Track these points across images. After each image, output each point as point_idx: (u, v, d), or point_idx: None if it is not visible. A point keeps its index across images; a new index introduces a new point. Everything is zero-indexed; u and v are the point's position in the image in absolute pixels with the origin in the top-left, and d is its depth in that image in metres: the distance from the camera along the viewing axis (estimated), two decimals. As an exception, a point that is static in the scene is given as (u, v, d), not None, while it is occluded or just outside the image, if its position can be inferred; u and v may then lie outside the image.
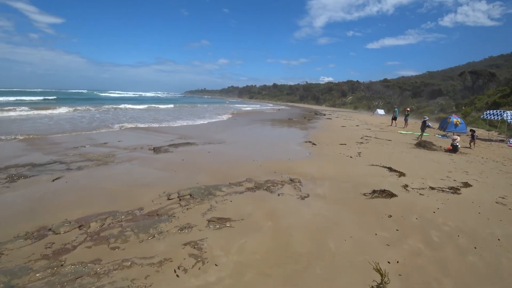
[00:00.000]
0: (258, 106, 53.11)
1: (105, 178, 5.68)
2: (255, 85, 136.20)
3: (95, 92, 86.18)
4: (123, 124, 13.84)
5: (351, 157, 8.37)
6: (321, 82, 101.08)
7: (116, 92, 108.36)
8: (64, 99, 38.80)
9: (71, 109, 20.22)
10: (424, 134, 16.83)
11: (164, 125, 14.80)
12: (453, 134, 17.30)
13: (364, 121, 26.18)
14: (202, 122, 17.85)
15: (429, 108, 49.08)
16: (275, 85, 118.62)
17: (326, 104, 75.99)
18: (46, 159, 7.06)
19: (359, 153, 8.98)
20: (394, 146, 11.08)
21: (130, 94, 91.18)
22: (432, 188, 5.66)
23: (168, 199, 4.59)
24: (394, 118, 22.65)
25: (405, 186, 5.67)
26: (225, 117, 22.89)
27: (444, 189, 5.68)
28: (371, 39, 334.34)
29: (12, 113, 16.06)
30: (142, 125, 14.10)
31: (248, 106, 47.58)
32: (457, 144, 10.83)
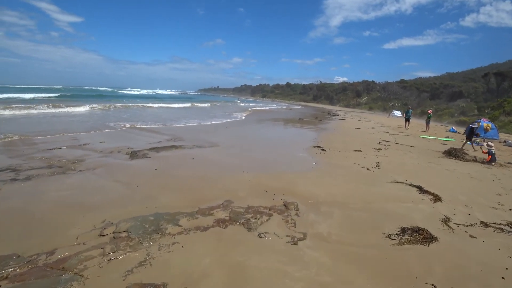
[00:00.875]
0: (273, 105, 51.24)
1: (45, 195, 4.30)
2: (268, 84, 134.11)
3: (110, 90, 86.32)
4: (123, 124, 12.56)
5: (368, 169, 6.64)
6: (336, 82, 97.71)
7: (134, 89, 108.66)
8: (78, 96, 38.24)
9: (82, 108, 18.98)
10: (448, 139, 14.71)
11: (166, 125, 13.39)
12: (484, 141, 15.06)
13: (380, 123, 23.99)
14: (208, 122, 16.45)
15: (449, 111, 45.75)
16: (288, 84, 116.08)
17: (340, 105, 73.14)
18: (1, 165, 5.83)
19: (378, 164, 7.22)
20: (419, 155, 9.19)
21: (145, 91, 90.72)
22: (486, 225, 3.90)
23: (101, 235, 3.12)
24: (407, 120, 20.22)
25: (446, 221, 3.94)
26: (238, 115, 21.44)
27: (502, 226, 3.91)
28: (388, 40, 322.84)
29: (17, 112, 15.09)
30: (141, 125, 12.72)
31: (260, 105, 45.98)
32: (494, 151, 8.90)
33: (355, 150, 9.03)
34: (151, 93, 79.94)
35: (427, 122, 18.63)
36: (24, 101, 23.47)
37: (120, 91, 75.16)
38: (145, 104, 26.90)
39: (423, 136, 14.88)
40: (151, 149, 7.68)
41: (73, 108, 18.33)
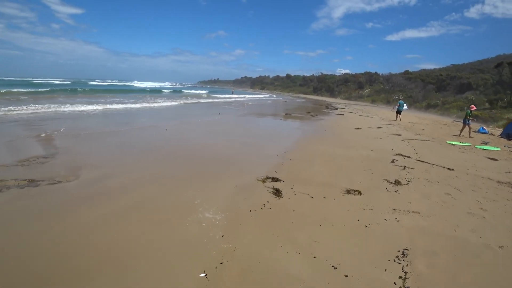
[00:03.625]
0: (268, 97, 46.25)
1: None
2: (269, 76, 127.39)
3: (111, 82, 79.85)
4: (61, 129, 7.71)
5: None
6: (337, 74, 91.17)
7: (136, 82, 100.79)
8: (66, 90, 31.22)
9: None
10: (490, 147, 9.80)
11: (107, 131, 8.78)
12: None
13: (386, 118, 19.05)
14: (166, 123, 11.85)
15: (457, 104, 40.45)
16: (288, 76, 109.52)
17: (341, 97, 67.44)
18: None
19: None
20: (475, 195, 4.41)
21: (147, 84, 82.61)
22: None
23: None
24: (398, 112, 18.15)
25: None
26: (217, 110, 16.67)
27: None
28: (391, 31, 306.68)
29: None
30: (75, 132, 8.03)
31: (252, 97, 41.00)
32: None
33: (348, 191, 4.23)
34: (156, 86, 71.63)
35: (467, 123, 11.91)
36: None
37: (129, 84, 69.79)
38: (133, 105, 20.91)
39: (452, 143, 9.98)
40: None
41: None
